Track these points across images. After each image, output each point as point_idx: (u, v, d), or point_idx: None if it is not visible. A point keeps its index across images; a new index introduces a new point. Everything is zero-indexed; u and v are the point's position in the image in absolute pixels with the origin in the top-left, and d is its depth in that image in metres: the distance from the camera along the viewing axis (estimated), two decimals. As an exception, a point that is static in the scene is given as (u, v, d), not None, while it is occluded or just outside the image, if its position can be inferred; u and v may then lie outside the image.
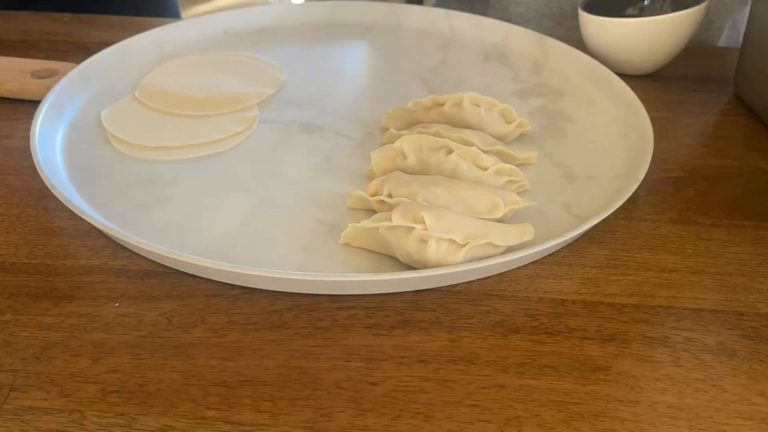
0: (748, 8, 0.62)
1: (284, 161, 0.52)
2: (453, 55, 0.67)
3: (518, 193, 0.47)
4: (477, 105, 0.53)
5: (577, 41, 0.67)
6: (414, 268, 0.41)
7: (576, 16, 0.66)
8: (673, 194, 0.50)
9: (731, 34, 0.79)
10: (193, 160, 0.52)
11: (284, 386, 0.35)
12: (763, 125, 0.59)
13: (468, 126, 0.52)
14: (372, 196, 0.45)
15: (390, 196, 0.44)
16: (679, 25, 0.62)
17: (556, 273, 0.43)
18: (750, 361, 0.37)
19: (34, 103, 0.55)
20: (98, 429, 0.33)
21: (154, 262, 0.42)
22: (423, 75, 0.64)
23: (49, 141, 0.52)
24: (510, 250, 0.42)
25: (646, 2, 0.68)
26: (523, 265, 0.43)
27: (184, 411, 0.34)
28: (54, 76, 0.61)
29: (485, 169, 0.47)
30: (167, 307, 0.40)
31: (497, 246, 0.41)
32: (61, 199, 0.44)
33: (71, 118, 0.56)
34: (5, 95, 0.59)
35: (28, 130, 0.50)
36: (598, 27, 0.64)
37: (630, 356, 0.37)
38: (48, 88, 0.57)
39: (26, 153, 0.48)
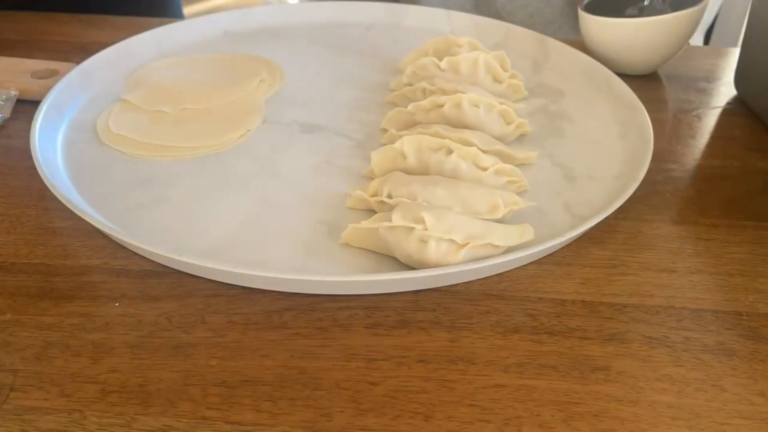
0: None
1: (284, 161, 0.52)
2: (453, 55, 0.67)
3: (518, 194, 0.47)
4: (476, 106, 0.52)
5: (577, 41, 0.67)
6: (414, 268, 0.41)
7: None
8: (673, 194, 0.50)
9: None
10: (192, 160, 0.52)
11: (284, 386, 0.35)
12: (763, 125, 0.59)
13: (467, 127, 0.52)
14: (372, 196, 0.45)
15: (390, 196, 0.44)
16: (679, 25, 0.62)
17: (556, 273, 0.43)
18: (749, 360, 0.37)
19: (34, 103, 0.55)
20: (98, 429, 0.33)
21: (154, 262, 0.42)
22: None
23: (49, 141, 0.52)
24: (510, 250, 0.42)
25: (646, 2, 0.68)
26: (523, 265, 0.43)
27: (184, 411, 0.34)
28: (54, 76, 0.61)
29: (485, 170, 0.47)
30: (167, 307, 0.40)
31: (497, 246, 0.41)
32: (61, 199, 0.44)
33: (71, 118, 0.56)
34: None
35: (28, 130, 0.50)
36: (598, 27, 0.64)
37: (630, 356, 0.37)
38: (48, 88, 0.57)
39: (26, 153, 0.48)
